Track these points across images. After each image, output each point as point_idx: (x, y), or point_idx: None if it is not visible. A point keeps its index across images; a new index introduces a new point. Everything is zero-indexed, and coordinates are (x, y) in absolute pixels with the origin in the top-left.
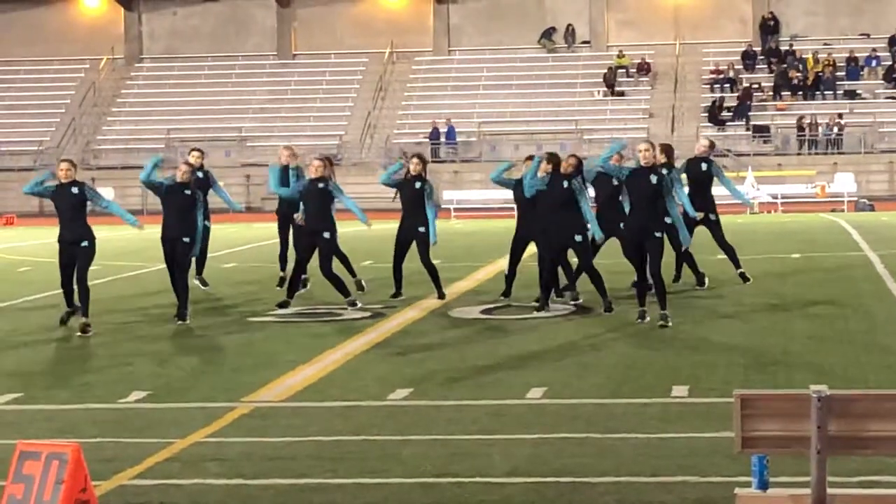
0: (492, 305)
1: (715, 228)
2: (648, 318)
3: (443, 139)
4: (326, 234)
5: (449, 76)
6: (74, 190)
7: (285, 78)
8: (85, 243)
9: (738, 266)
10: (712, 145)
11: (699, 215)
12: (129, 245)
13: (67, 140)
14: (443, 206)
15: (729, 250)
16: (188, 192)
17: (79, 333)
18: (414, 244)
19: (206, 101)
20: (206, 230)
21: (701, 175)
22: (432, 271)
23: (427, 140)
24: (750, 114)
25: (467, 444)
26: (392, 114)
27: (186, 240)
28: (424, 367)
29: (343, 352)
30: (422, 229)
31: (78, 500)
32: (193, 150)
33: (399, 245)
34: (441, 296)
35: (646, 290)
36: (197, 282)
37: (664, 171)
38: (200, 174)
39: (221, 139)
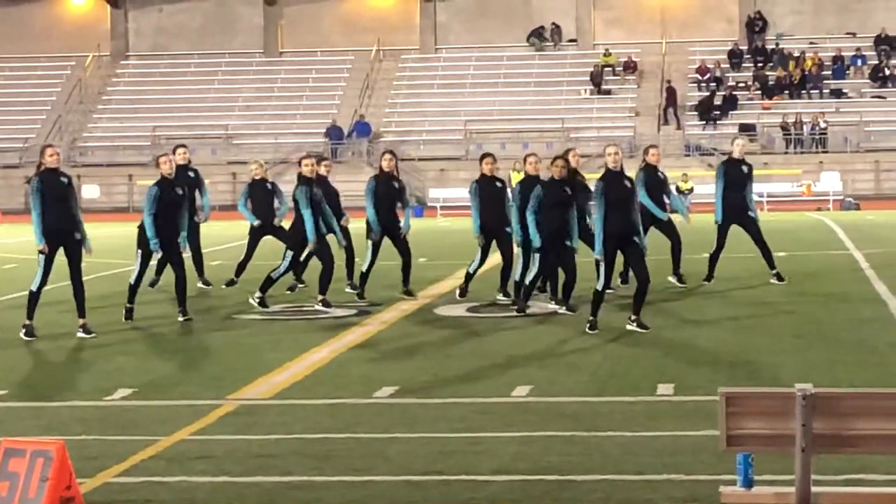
0: (478, 304)
1: (751, 226)
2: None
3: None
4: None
5: (436, 74)
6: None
7: (272, 76)
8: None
9: (772, 266)
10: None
11: (665, 217)
12: (117, 242)
13: (53, 137)
14: (429, 205)
15: (765, 249)
16: (179, 190)
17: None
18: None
19: (192, 98)
20: (196, 227)
21: (742, 176)
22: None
23: (326, 140)
24: (735, 112)
25: (453, 442)
26: (379, 112)
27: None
28: (410, 365)
29: (329, 349)
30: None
31: (62, 497)
32: (179, 146)
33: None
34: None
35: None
36: (200, 284)
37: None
38: (191, 173)
39: (208, 137)
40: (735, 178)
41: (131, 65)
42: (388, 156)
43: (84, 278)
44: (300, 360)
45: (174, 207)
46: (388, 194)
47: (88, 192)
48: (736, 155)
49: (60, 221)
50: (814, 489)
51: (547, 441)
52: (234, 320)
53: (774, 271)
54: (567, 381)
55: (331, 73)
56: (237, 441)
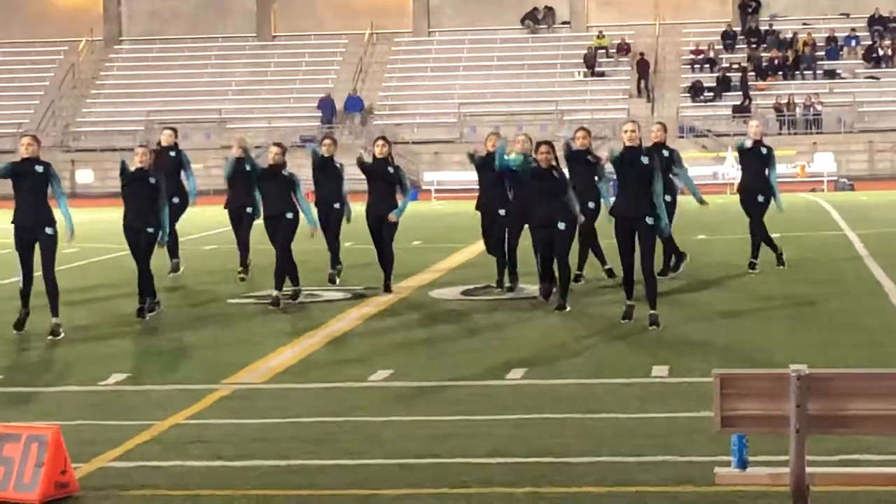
0: (472, 287)
1: (757, 210)
2: (634, 319)
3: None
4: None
5: (429, 57)
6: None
7: (265, 59)
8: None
9: (754, 255)
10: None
11: (708, 203)
12: (111, 227)
13: (47, 122)
14: (423, 188)
15: (757, 236)
16: (152, 180)
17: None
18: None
19: (185, 82)
20: (181, 208)
21: (762, 158)
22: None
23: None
24: (728, 93)
25: (448, 425)
26: (372, 95)
27: (150, 230)
28: (405, 348)
29: (323, 333)
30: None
31: (58, 482)
32: (166, 128)
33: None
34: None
35: (632, 284)
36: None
37: (663, 153)
38: (173, 153)
39: (201, 121)
40: (753, 160)
41: (125, 49)
42: (380, 142)
43: (77, 263)
44: (295, 344)
45: (143, 197)
46: (382, 180)
47: (82, 176)
48: (753, 138)
49: (33, 215)
50: (808, 470)
51: (542, 423)
52: (229, 305)
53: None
54: (562, 364)
55: (324, 56)
56: (232, 425)
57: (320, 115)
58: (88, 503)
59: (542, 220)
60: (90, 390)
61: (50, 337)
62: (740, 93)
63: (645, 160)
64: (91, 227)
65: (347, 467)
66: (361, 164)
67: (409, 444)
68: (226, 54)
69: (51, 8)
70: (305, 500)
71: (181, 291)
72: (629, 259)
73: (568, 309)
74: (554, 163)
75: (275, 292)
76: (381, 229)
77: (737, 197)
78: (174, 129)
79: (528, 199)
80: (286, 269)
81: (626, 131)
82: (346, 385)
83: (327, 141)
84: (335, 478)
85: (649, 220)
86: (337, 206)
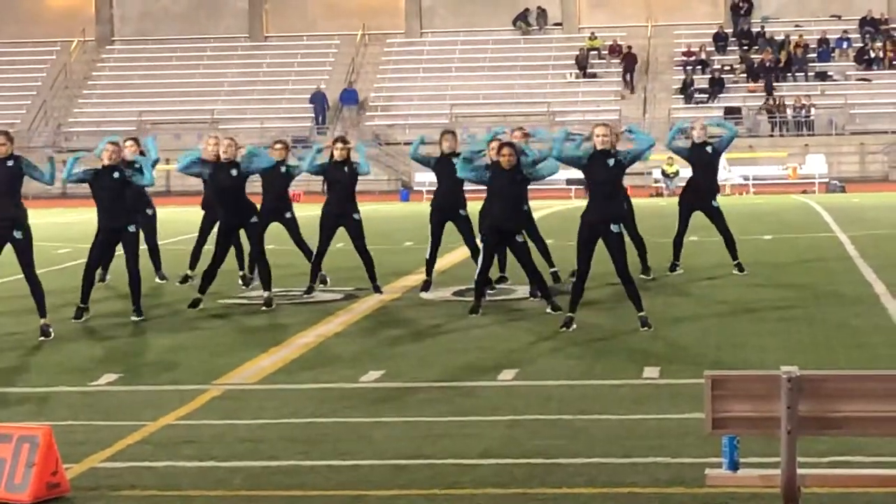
0: (464, 288)
1: (717, 216)
2: (574, 327)
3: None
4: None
5: (421, 58)
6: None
7: (257, 60)
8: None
9: (734, 257)
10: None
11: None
12: None
13: (38, 122)
14: (415, 189)
15: (729, 239)
16: (116, 174)
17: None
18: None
19: (177, 83)
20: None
21: (708, 158)
22: (308, 253)
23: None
24: (721, 95)
25: (439, 425)
26: (364, 96)
27: (132, 229)
28: (396, 348)
29: (315, 334)
30: (288, 215)
31: (49, 482)
32: (128, 138)
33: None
34: (376, 289)
35: (580, 293)
36: (157, 278)
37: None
38: (137, 165)
39: (193, 121)
40: (699, 160)
41: (116, 49)
42: (339, 144)
43: (69, 264)
44: (286, 344)
45: (109, 192)
46: (340, 181)
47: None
48: (698, 139)
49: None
50: (799, 471)
51: (533, 424)
52: (220, 305)
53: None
54: (553, 365)
55: (316, 57)
56: (223, 426)
57: (312, 108)
58: None
59: (496, 220)
60: (82, 391)
61: (41, 337)
62: (732, 94)
63: (611, 162)
64: (82, 228)
65: (338, 468)
66: (321, 168)
67: (400, 444)
68: (218, 55)
69: (43, 8)
70: (296, 500)
71: (173, 292)
72: (586, 265)
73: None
74: (515, 164)
75: (265, 293)
76: (347, 230)
77: (727, 198)
78: (136, 140)
79: (489, 198)
80: (262, 270)
81: (597, 135)
82: (338, 386)
83: (278, 145)
84: (326, 478)
85: (615, 228)
86: (288, 214)
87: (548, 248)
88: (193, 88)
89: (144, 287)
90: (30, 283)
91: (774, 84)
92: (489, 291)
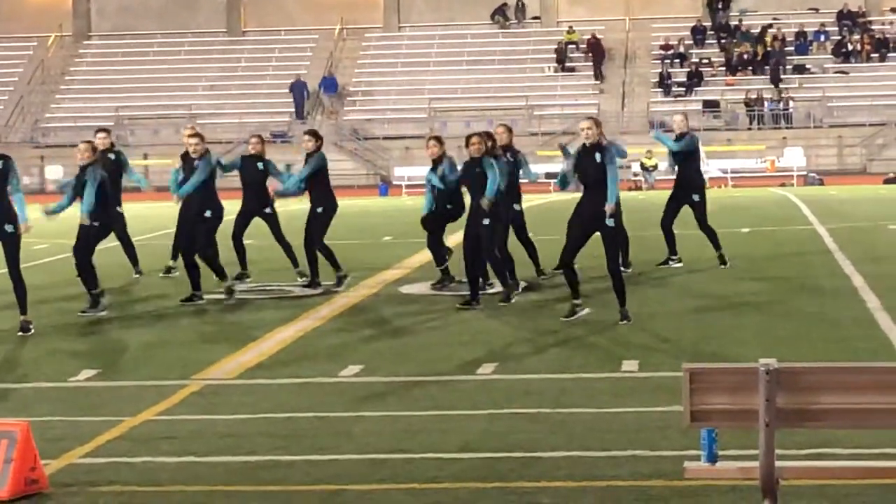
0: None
1: (699, 209)
2: (587, 310)
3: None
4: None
5: (399, 52)
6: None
7: (235, 55)
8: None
9: (717, 248)
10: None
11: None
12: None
13: (16, 118)
14: (394, 183)
15: (711, 233)
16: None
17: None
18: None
19: (155, 78)
20: (121, 217)
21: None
22: (287, 249)
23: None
24: (699, 88)
25: (419, 420)
26: (342, 90)
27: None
28: (375, 343)
29: (294, 329)
30: (268, 210)
31: (27, 478)
32: (99, 130)
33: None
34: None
35: (575, 280)
36: (136, 275)
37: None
38: (112, 155)
39: (171, 116)
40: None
41: (94, 45)
42: (254, 140)
43: (46, 259)
44: (265, 339)
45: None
46: (254, 176)
47: (52, 172)
48: (678, 130)
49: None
50: (778, 464)
51: (512, 418)
52: (200, 301)
53: (677, 256)
54: (532, 359)
55: (294, 52)
56: (202, 421)
57: (291, 102)
58: (58, 499)
59: (471, 213)
60: (60, 386)
61: (20, 333)
62: (711, 87)
63: (598, 157)
64: (60, 224)
65: (317, 463)
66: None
67: (379, 439)
68: (196, 49)
69: (20, 4)
70: (276, 495)
71: (151, 287)
72: (571, 255)
73: (513, 301)
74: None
75: (224, 284)
76: (268, 224)
77: (712, 191)
78: (107, 130)
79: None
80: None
81: (582, 129)
82: (317, 380)
83: (254, 139)
84: (305, 473)
85: (610, 222)
86: (268, 210)
87: (536, 251)
88: (171, 83)
89: (121, 282)
90: (13, 280)
91: (752, 77)
92: (456, 283)
